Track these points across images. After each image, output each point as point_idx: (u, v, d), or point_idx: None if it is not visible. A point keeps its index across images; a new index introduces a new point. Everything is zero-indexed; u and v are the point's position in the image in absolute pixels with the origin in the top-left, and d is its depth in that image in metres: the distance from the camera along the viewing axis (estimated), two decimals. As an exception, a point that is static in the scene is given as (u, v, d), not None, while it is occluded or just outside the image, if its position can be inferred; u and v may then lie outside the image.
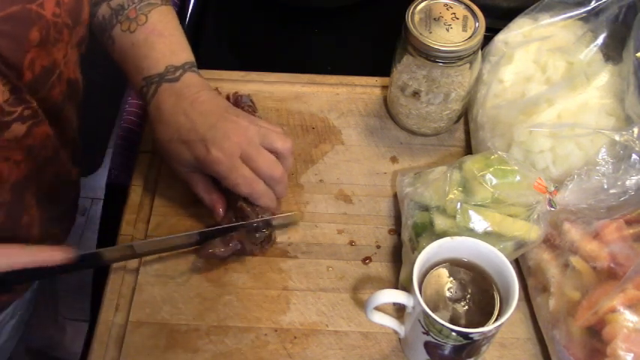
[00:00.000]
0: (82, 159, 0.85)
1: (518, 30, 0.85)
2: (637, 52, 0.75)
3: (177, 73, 0.74)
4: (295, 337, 0.72)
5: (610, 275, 0.66)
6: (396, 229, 0.80)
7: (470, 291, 0.65)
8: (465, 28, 0.79)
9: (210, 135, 0.70)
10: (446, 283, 0.65)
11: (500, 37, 0.85)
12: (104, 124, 1.55)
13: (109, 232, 0.84)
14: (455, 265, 0.66)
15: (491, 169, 0.70)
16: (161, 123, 0.73)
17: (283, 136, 0.74)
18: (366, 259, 0.78)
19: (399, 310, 0.73)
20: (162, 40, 0.75)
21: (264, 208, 0.75)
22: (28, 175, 0.70)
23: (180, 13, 1.03)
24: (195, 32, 1.03)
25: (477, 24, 0.79)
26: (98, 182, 1.64)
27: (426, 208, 0.73)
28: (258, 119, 0.76)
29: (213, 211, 0.75)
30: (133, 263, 0.77)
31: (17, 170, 0.68)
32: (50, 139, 0.70)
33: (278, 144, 0.73)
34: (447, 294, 0.65)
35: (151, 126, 0.75)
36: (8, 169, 0.66)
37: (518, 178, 0.70)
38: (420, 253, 0.64)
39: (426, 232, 0.72)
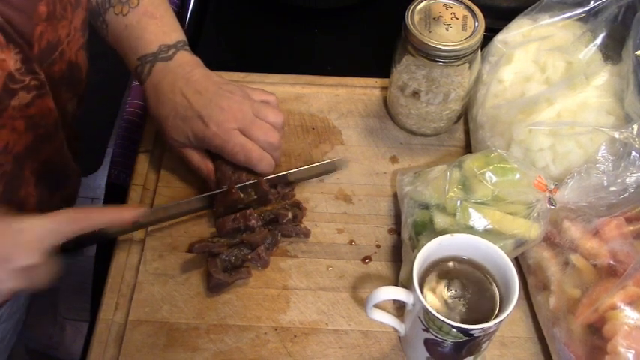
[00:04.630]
0: (80, 154, 0.85)
1: (517, 30, 0.85)
2: (636, 51, 0.75)
3: (170, 52, 0.77)
4: (295, 336, 0.72)
5: (610, 272, 0.66)
6: (396, 229, 0.80)
7: (470, 288, 0.65)
8: (464, 27, 0.79)
9: (206, 111, 0.74)
10: (446, 280, 0.65)
11: (499, 38, 0.85)
12: (104, 124, 1.56)
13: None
14: (455, 262, 0.66)
15: (491, 167, 0.70)
16: (158, 101, 0.76)
17: (276, 110, 0.78)
18: (366, 259, 0.78)
19: (399, 309, 0.73)
20: (154, 22, 0.78)
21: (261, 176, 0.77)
22: (29, 147, 0.71)
23: (180, 13, 1.04)
24: (195, 32, 1.03)
25: (476, 24, 0.79)
26: (98, 182, 1.64)
27: (426, 207, 0.73)
28: (251, 91, 0.79)
29: (208, 180, 0.79)
30: (133, 261, 0.77)
31: (20, 141, 0.70)
32: (52, 113, 0.72)
33: (270, 117, 0.77)
34: (447, 291, 0.65)
35: (147, 103, 0.78)
36: (13, 139, 0.68)
37: (518, 176, 0.70)
38: (420, 250, 0.64)
39: (426, 230, 0.72)
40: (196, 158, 0.78)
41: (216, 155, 0.78)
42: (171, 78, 0.76)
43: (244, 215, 0.75)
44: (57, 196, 0.81)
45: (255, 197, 0.78)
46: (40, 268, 0.59)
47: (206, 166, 0.78)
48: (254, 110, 0.76)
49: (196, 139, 0.75)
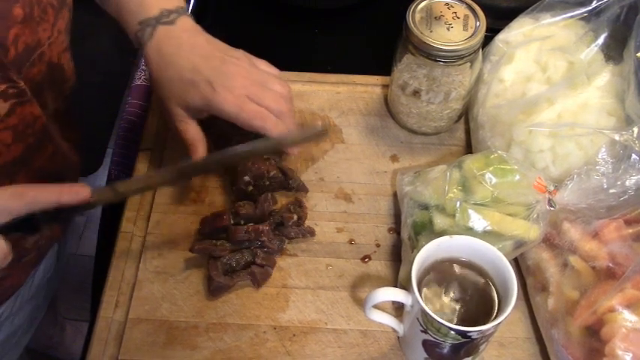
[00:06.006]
0: (80, 150, 0.85)
1: (518, 30, 0.84)
2: (637, 52, 0.75)
3: (172, 17, 0.75)
4: (294, 335, 0.72)
5: (609, 275, 0.66)
6: (396, 228, 0.80)
7: (468, 290, 0.65)
8: (465, 27, 0.79)
9: (214, 76, 0.72)
10: (444, 282, 0.65)
11: (500, 37, 0.85)
12: (104, 124, 1.56)
13: (109, 231, 0.84)
14: (454, 264, 0.66)
15: (490, 169, 0.70)
16: (161, 65, 0.74)
17: (282, 81, 0.77)
18: (366, 258, 0.78)
19: (397, 309, 0.74)
20: None
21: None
22: (19, 157, 0.70)
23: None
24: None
25: (477, 23, 0.79)
26: (98, 182, 1.65)
27: (425, 207, 0.73)
28: (257, 60, 0.78)
29: (193, 156, 0.75)
30: (133, 260, 0.77)
31: (7, 153, 0.68)
32: (39, 120, 0.70)
33: (277, 87, 0.75)
34: (446, 293, 0.65)
35: (150, 67, 0.76)
36: (1, 152, 0.67)
37: (517, 177, 0.70)
38: (419, 251, 0.64)
39: (426, 230, 0.72)
40: (192, 131, 0.76)
41: (211, 134, 0.76)
42: (175, 42, 0.74)
43: (257, 230, 0.75)
44: None
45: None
46: None
47: (202, 141, 0.76)
48: (261, 79, 0.75)
49: (205, 103, 0.73)
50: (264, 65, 0.78)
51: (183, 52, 0.74)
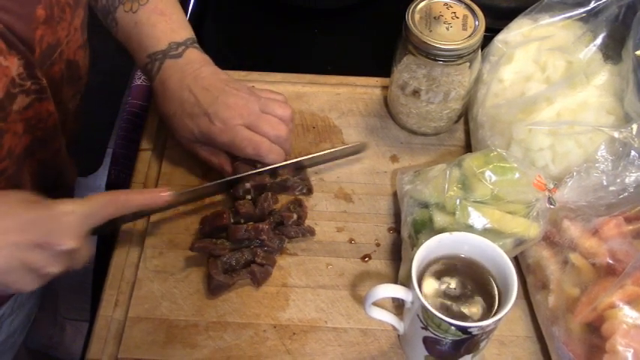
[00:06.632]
0: (79, 155, 0.85)
1: (518, 30, 0.85)
2: (636, 50, 0.75)
3: (180, 49, 0.78)
4: (294, 334, 0.72)
5: (609, 272, 0.66)
6: (396, 228, 0.80)
7: (469, 286, 0.65)
8: (465, 27, 0.79)
9: (212, 109, 0.75)
10: (445, 278, 0.65)
11: (500, 37, 0.85)
12: (104, 124, 1.56)
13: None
14: (454, 260, 0.66)
15: (490, 166, 0.70)
16: (166, 98, 0.77)
17: (284, 104, 0.79)
18: (366, 257, 0.78)
19: (397, 307, 0.73)
20: (163, 19, 0.79)
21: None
22: (27, 148, 0.71)
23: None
24: (195, 32, 1.02)
25: (476, 23, 0.79)
26: (98, 182, 1.64)
27: (425, 205, 0.73)
28: (259, 90, 0.80)
29: (222, 171, 0.80)
30: (133, 258, 0.77)
31: (19, 143, 0.70)
32: (51, 116, 0.72)
33: (278, 112, 0.78)
34: (446, 289, 0.65)
35: (155, 101, 0.79)
36: (14, 142, 0.69)
37: (517, 175, 0.70)
38: (419, 248, 0.64)
39: (426, 229, 0.72)
40: (204, 153, 0.80)
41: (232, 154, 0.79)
42: (179, 75, 0.77)
43: (256, 228, 0.75)
44: (52, 196, 0.81)
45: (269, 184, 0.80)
46: (79, 251, 0.60)
47: (217, 158, 0.79)
48: (261, 106, 0.77)
49: (203, 135, 0.76)
50: (266, 93, 0.80)
51: (185, 84, 0.76)
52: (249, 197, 0.78)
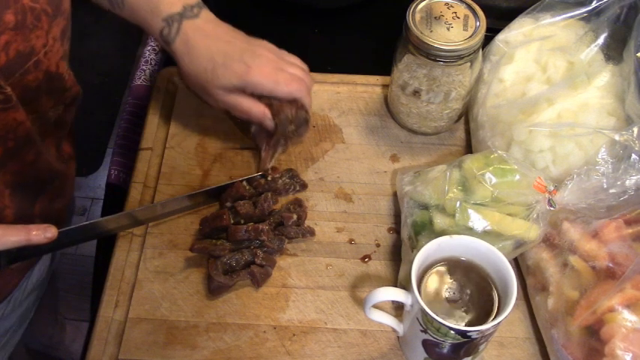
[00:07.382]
0: (77, 155, 0.84)
1: (518, 30, 0.84)
2: (637, 51, 0.75)
3: (195, 10, 0.79)
4: (294, 335, 0.72)
5: (609, 275, 0.66)
6: (396, 228, 0.80)
7: (468, 290, 0.65)
8: (465, 27, 0.79)
9: (245, 55, 0.78)
10: (444, 281, 0.65)
11: (500, 37, 0.85)
12: (103, 124, 1.56)
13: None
14: (454, 264, 0.66)
15: (490, 168, 0.70)
16: (192, 56, 0.78)
17: (300, 61, 0.83)
18: (366, 258, 0.78)
19: (397, 309, 0.74)
20: None
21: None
22: None
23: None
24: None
25: (477, 23, 0.79)
26: (98, 182, 1.65)
27: (425, 207, 0.73)
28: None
29: (264, 120, 0.80)
30: (133, 259, 0.77)
31: None
32: (22, 126, 0.70)
33: (298, 62, 0.83)
34: (446, 292, 0.65)
35: (180, 63, 0.80)
36: None
37: (517, 177, 0.70)
38: (418, 251, 0.64)
39: (426, 230, 0.72)
40: (246, 101, 0.80)
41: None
42: (201, 33, 0.78)
43: (256, 229, 0.75)
44: (41, 202, 0.80)
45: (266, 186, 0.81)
46: None
47: (257, 106, 0.80)
48: (283, 56, 0.81)
49: (242, 81, 0.77)
50: (284, 53, 0.83)
51: (210, 41, 0.78)
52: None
